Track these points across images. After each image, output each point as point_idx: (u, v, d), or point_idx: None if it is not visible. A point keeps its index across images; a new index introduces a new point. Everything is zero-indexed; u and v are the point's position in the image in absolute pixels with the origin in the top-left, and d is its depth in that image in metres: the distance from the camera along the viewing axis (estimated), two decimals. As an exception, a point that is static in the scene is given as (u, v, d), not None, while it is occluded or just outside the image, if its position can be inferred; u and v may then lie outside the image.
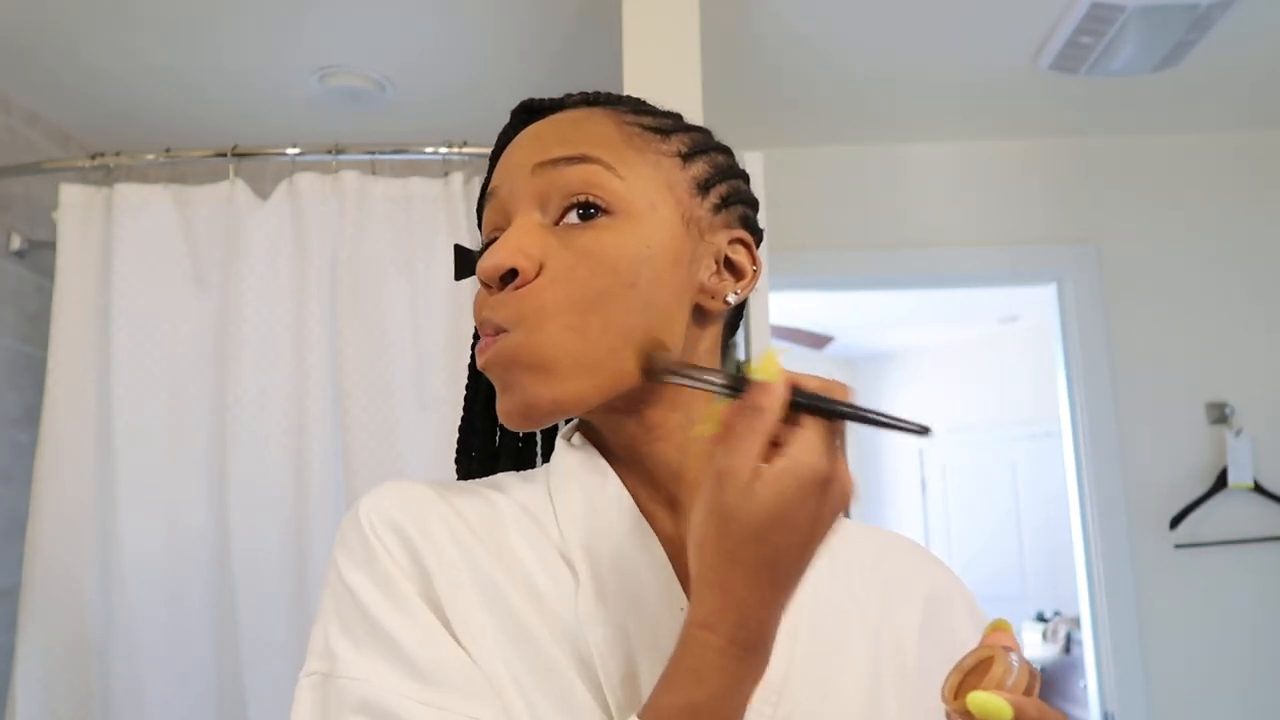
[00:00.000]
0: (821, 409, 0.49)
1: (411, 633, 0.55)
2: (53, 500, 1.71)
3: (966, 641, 0.58)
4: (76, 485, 1.72)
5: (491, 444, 0.75)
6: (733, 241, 0.66)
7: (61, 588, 1.68)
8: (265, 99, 2.20)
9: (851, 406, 0.48)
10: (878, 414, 0.48)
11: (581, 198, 0.61)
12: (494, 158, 0.70)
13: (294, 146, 1.83)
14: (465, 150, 1.81)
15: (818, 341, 5.14)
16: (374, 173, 1.84)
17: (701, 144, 0.67)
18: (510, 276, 0.60)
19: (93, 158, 1.83)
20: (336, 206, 1.80)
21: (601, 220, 0.61)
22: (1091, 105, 2.32)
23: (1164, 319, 2.42)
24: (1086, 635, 2.39)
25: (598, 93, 0.69)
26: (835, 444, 0.49)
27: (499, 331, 0.60)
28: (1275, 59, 2.13)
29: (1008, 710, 0.48)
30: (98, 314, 1.78)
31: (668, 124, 0.67)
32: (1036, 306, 4.38)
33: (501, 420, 0.62)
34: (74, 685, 1.67)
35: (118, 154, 1.84)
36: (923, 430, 0.47)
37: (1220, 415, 2.36)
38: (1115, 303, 2.43)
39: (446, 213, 1.81)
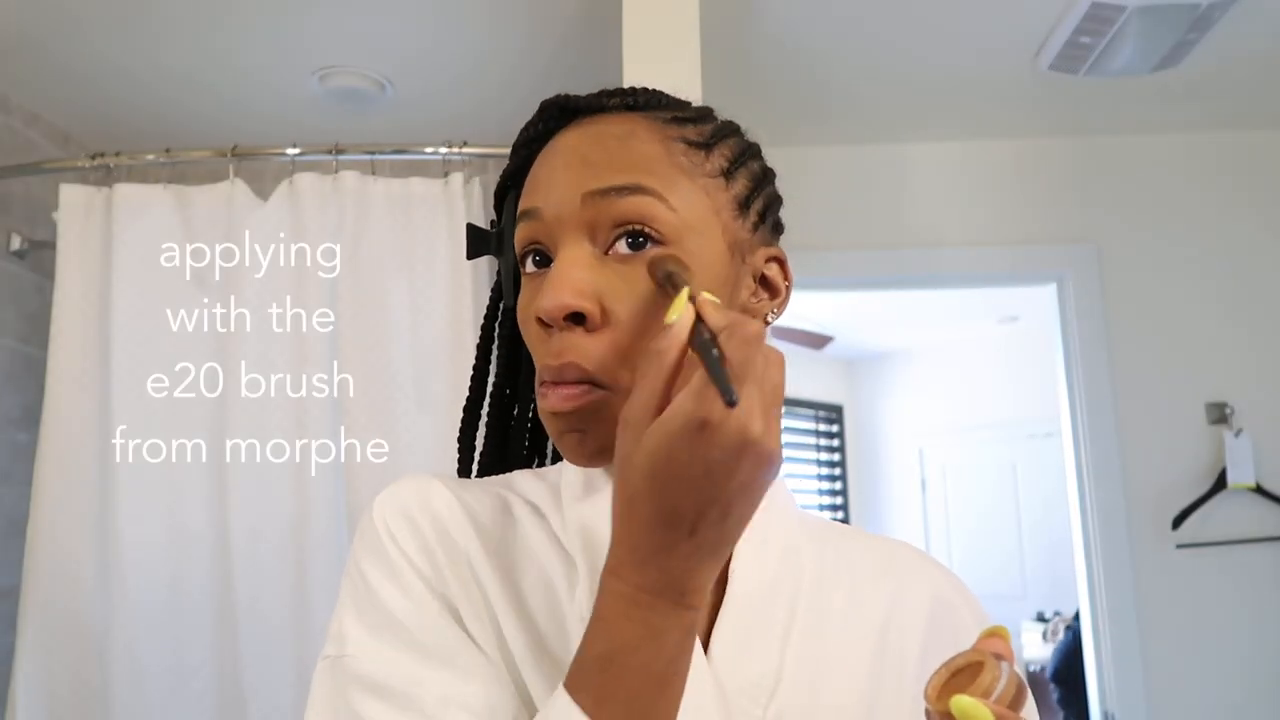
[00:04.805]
0: (700, 353, 0.47)
1: (415, 615, 0.58)
2: (53, 500, 1.71)
3: (970, 646, 0.58)
4: (76, 485, 1.72)
5: (499, 449, 0.75)
6: (769, 260, 0.67)
7: (61, 587, 1.68)
8: (265, 99, 2.20)
9: (711, 356, 0.46)
10: (718, 372, 0.46)
11: (633, 228, 0.60)
12: (517, 149, 0.68)
13: (294, 146, 1.82)
14: (465, 150, 1.81)
15: (818, 341, 5.13)
16: (374, 173, 1.84)
17: (738, 153, 0.66)
18: (573, 318, 0.59)
19: (93, 158, 1.83)
20: (336, 206, 1.80)
21: (654, 251, 0.60)
22: (1091, 105, 2.32)
23: (1164, 319, 2.42)
24: (1086, 635, 2.39)
25: (635, 92, 0.66)
26: (713, 388, 0.46)
27: (588, 380, 0.58)
28: (1275, 59, 2.13)
29: (990, 719, 0.45)
30: (98, 314, 1.78)
31: (707, 133, 0.65)
32: (1036, 306, 4.36)
33: (568, 459, 0.61)
34: (74, 684, 1.67)
35: (118, 154, 1.84)
36: (730, 402, 0.45)
37: (1220, 415, 2.35)
38: (1115, 303, 2.43)
39: (446, 213, 1.81)
